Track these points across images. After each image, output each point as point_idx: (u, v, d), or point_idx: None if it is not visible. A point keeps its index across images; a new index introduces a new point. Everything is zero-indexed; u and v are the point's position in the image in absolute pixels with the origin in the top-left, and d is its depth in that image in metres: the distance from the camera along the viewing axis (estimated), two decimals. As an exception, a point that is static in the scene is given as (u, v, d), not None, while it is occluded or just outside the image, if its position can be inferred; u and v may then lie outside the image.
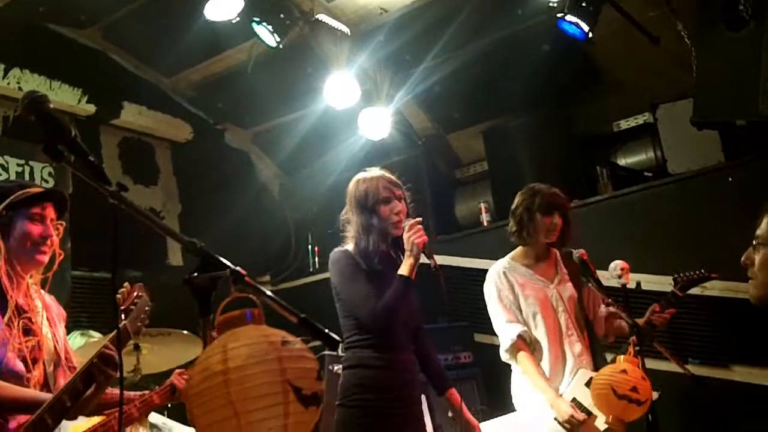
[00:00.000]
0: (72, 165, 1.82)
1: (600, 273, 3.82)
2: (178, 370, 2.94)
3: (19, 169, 5.47)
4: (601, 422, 3.58)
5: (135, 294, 2.41)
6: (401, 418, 3.07)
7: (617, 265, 3.79)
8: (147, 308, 2.44)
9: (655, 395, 3.50)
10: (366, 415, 2.98)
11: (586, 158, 6.04)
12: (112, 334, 2.29)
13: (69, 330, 4.47)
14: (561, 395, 3.64)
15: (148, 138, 6.53)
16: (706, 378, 4.60)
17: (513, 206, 3.94)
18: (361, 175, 3.32)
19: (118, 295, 2.38)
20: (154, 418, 3.52)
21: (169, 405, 4.14)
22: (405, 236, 3.09)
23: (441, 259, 3.95)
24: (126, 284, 2.44)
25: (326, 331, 1.73)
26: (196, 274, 1.71)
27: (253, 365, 1.51)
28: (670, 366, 4.31)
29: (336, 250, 3.25)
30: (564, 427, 3.58)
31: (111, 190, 1.80)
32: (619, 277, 3.77)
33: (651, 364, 3.75)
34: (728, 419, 4.47)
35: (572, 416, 3.54)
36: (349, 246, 3.22)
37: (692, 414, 4.50)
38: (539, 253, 3.92)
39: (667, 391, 3.91)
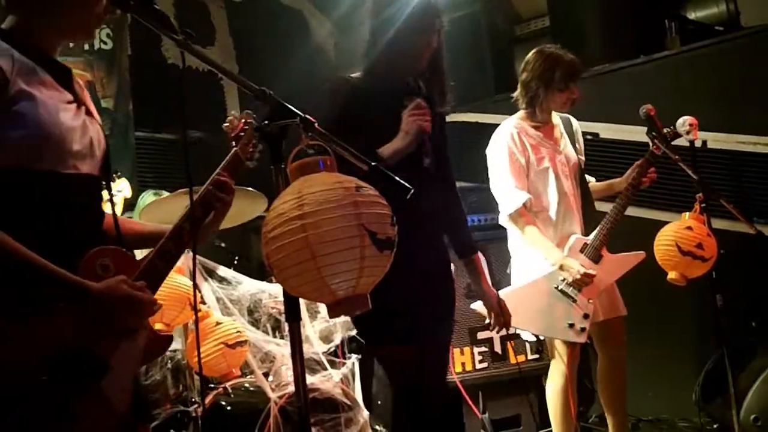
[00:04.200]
0: (138, 13, 1.81)
1: (667, 130, 3.74)
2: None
3: (77, 31, 5.45)
4: (604, 283, 3.57)
5: (244, 120, 2.26)
6: None
7: (686, 120, 3.68)
8: (255, 136, 2.27)
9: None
10: None
11: (653, 12, 5.78)
12: (226, 160, 2.17)
13: (140, 190, 4.59)
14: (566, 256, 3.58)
15: (203, -3, 6.44)
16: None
17: (526, 74, 3.69)
18: None
19: (226, 124, 2.25)
20: (224, 272, 3.64)
21: (236, 260, 4.28)
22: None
23: (501, 119, 3.91)
24: (233, 113, 2.31)
25: (397, 178, 1.73)
26: (266, 122, 1.71)
27: (329, 210, 1.52)
28: (736, 225, 4.28)
29: None
30: (574, 286, 3.54)
31: (178, 39, 1.79)
32: (687, 133, 3.67)
33: (716, 224, 3.71)
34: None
35: (585, 273, 3.48)
36: None
37: (757, 273, 4.47)
38: (545, 117, 3.75)
39: (732, 249, 3.88)
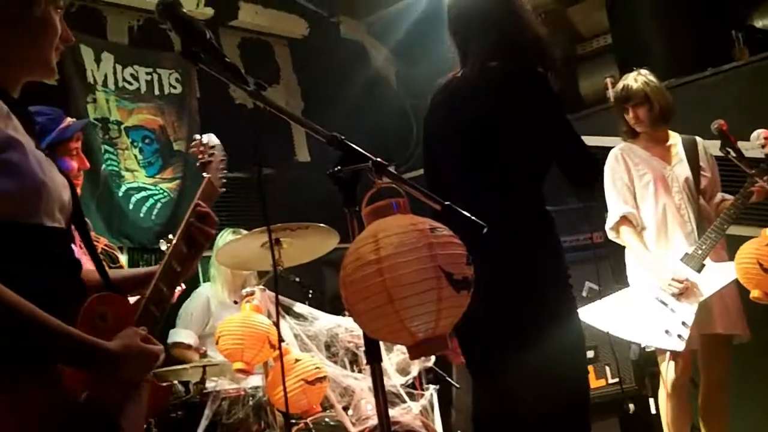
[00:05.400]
0: (210, 67, 1.86)
1: (741, 144, 3.67)
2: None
3: (148, 78, 5.64)
4: (706, 292, 3.54)
5: (207, 144, 2.24)
6: None
7: (759, 134, 3.65)
8: (222, 158, 2.26)
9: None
10: None
11: (718, 23, 5.66)
12: (200, 189, 2.09)
13: (218, 229, 4.69)
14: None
15: (266, 37, 6.56)
16: None
17: None
18: None
19: (192, 149, 2.25)
20: (300, 308, 3.69)
21: (310, 294, 4.32)
22: None
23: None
24: (195, 136, 2.29)
25: (471, 217, 1.74)
26: (339, 167, 1.74)
27: (405, 253, 1.54)
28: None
29: None
30: (670, 293, 3.56)
31: (250, 90, 1.84)
32: (762, 146, 3.62)
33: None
34: None
35: (674, 279, 3.54)
36: None
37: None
38: (651, 137, 3.90)
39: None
